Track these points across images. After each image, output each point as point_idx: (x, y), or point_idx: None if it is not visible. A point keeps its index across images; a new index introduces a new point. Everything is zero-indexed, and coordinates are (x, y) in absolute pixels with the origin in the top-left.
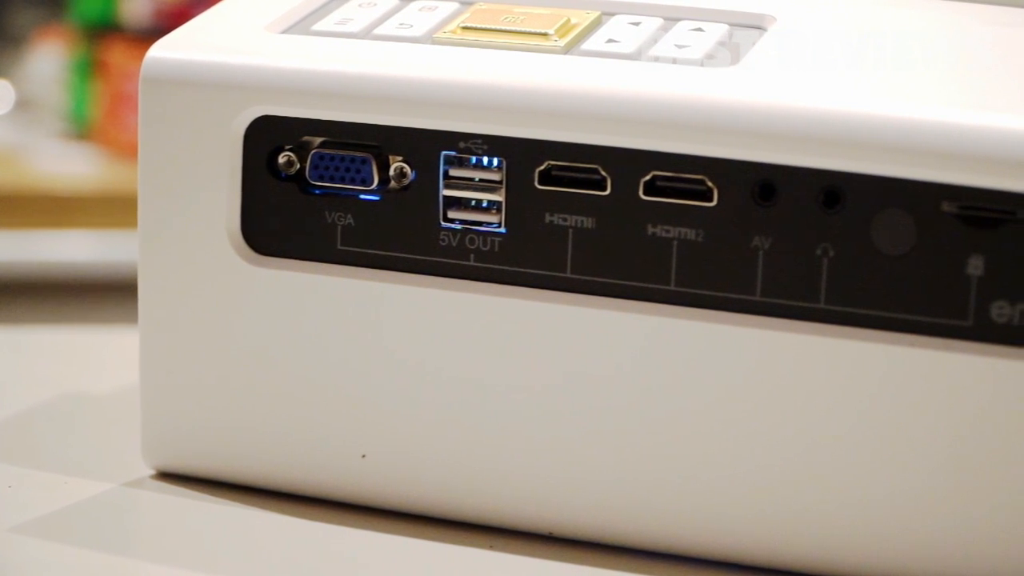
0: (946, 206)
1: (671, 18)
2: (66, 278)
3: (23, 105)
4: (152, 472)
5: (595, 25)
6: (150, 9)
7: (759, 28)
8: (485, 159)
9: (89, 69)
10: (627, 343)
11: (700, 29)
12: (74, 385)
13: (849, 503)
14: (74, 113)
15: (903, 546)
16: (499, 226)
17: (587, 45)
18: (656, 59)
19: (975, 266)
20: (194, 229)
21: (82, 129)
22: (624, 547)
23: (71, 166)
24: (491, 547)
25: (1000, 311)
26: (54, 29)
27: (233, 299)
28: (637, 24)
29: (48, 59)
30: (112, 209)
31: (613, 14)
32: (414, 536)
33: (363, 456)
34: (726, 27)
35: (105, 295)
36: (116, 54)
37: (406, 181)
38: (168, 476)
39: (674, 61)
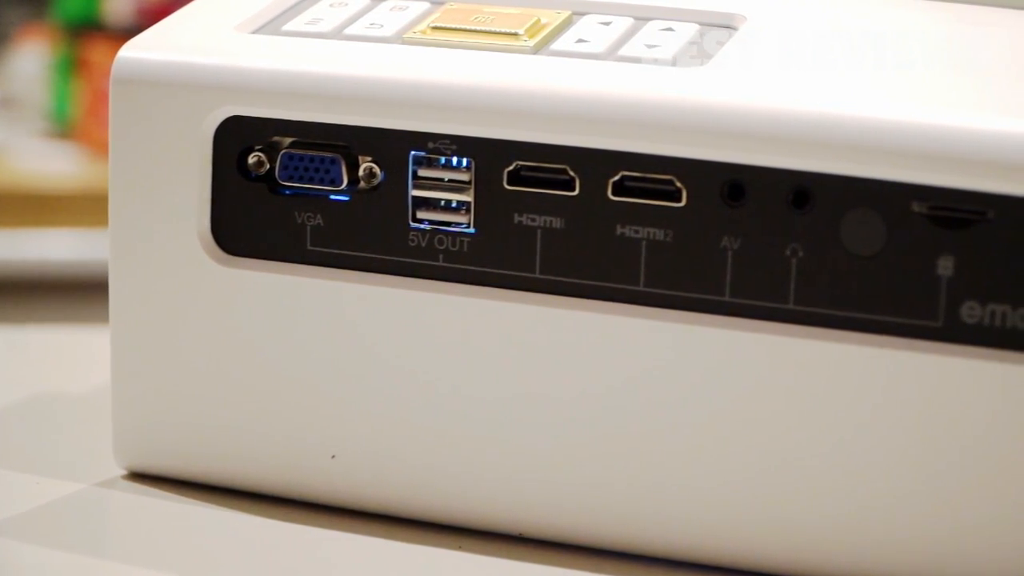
0: (916, 206)
1: (642, 18)
2: (48, 277)
3: (5, 103)
4: (124, 472)
5: (565, 25)
6: (132, 8)
7: (730, 28)
8: (454, 159)
9: (71, 68)
10: (596, 343)
11: (670, 29)
12: (50, 384)
13: (818, 504)
14: (56, 112)
15: (872, 546)
16: (468, 226)
17: (557, 45)
18: (626, 59)
19: (945, 266)
20: (164, 229)
21: (64, 128)
22: (593, 548)
23: (53, 164)
24: (460, 547)
25: (970, 312)
26: (37, 27)
27: (203, 299)
28: (607, 24)
29: (31, 58)
30: (93, 208)
31: (584, 14)
32: (384, 536)
33: (333, 456)
34: (697, 27)
35: (87, 293)
36: (98, 53)
37: (375, 181)
38: (140, 476)
39: (644, 61)
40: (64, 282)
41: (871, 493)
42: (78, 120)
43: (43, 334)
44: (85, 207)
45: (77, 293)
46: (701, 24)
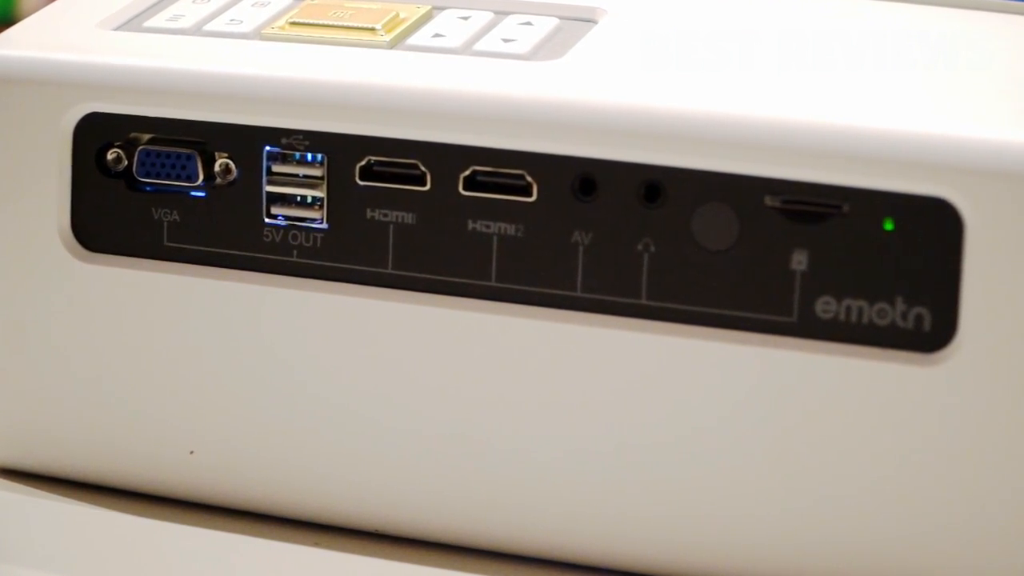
0: (769, 200)
1: (502, 12)
2: None
3: None
4: None
5: (424, 19)
6: None
7: (590, 21)
8: (308, 155)
9: None
10: (448, 339)
11: (529, 23)
12: None
13: (673, 502)
14: None
15: (726, 544)
16: (321, 222)
17: (413, 40)
18: (480, 54)
19: (799, 261)
20: (25, 226)
21: None
22: (448, 544)
23: None
24: (316, 544)
25: (825, 307)
26: None
27: (65, 296)
28: (466, 18)
29: None
30: None
31: (444, 8)
32: (241, 533)
33: (191, 452)
34: (556, 21)
35: None
36: None
37: (231, 177)
38: (9, 472)
39: (498, 55)
40: None
41: (727, 490)
42: None
43: None
44: None
45: None
46: (561, 18)
